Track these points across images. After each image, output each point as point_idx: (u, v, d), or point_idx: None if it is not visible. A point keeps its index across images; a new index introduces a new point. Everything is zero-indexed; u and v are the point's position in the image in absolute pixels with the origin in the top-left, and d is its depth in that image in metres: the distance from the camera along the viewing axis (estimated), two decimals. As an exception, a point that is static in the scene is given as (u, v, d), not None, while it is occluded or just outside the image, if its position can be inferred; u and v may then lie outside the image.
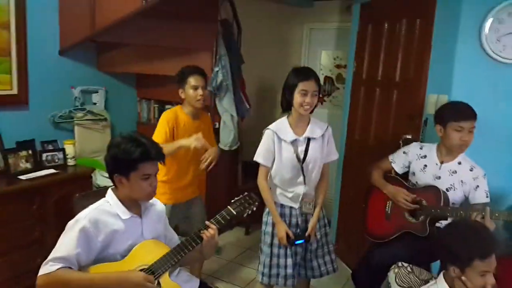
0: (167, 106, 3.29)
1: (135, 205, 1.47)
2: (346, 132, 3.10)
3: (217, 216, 1.55)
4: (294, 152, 1.92)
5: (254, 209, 1.66)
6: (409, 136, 2.41)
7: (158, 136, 2.15)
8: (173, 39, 2.99)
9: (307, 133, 1.94)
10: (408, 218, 1.97)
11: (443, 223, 1.94)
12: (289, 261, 1.96)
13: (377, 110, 2.80)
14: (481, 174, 1.92)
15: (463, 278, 1.35)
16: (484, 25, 2.08)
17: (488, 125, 2.02)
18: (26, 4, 2.55)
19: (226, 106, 3.19)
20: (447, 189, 1.93)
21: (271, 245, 1.98)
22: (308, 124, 1.97)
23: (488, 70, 2.12)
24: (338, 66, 3.96)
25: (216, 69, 3.02)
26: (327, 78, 4.03)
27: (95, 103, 3.14)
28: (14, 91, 2.57)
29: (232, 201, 1.62)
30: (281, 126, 1.95)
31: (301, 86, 1.84)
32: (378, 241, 2.06)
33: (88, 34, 2.73)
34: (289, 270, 1.96)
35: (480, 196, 1.90)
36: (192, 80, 2.21)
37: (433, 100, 2.28)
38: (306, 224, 2.00)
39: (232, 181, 3.59)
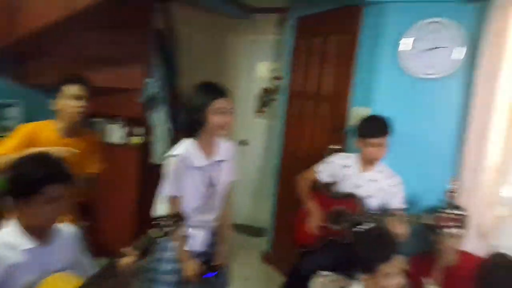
0: (94, 119, 3.11)
1: (41, 233, 1.33)
2: (282, 143, 3.17)
3: (135, 242, 1.44)
4: (205, 178, 1.74)
5: (180, 226, 1.60)
6: (334, 147, 2.51)
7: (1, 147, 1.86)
8: (104, 48, 2.84)
9: (218, 156, 1.77)
10: (332, 225, 2.04)
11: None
12: None
13: (307, 122, 2.90)
14: (398, 182, 2.05)
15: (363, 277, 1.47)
16: (403, 42, 2.21)
17: (405, 136, 2.16)
18: None
19: (161, 119, 3.11)
20: (366, 197, 2.03)
21: (172, 284, 1.76)
22: (217, 146, 1.78)
23: (406, 85, 2.25)
24: (276, 78, 4.05)
25: (149, 80, 2.94)
26: (265, 89, 4.10)
27: (8, 119, 2.86)
28: None
29: (153, 222, 1.49)
30: (191, 150, 1.71)
31: (217, 104, 1.63)
32: (306, 250, 2.11)
33: (4, 43, 2.50)
34: None
35: (397, 202, 2.03)
36: (70, 89, 1.95)
37: (356, 113, 2.40)
38: (213, 248, 1.87)
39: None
